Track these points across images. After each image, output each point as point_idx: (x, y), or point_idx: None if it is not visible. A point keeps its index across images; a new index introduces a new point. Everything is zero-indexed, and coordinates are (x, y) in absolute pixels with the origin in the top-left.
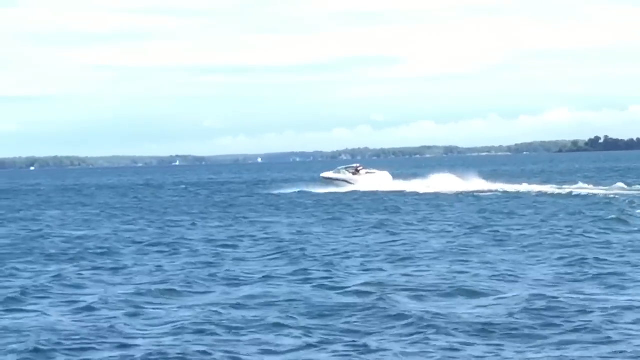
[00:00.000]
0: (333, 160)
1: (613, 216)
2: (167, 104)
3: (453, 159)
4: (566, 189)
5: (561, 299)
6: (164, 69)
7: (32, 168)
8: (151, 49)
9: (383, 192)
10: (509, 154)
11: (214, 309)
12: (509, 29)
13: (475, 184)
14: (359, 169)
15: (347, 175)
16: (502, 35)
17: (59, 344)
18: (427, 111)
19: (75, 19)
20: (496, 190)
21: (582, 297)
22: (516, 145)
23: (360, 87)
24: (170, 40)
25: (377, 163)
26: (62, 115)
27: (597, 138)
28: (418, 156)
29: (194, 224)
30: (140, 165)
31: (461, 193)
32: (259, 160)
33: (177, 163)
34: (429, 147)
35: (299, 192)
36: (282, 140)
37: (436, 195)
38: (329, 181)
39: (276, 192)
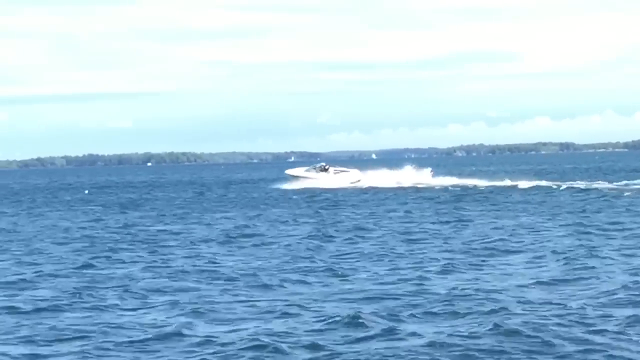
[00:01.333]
0: (447, 156)
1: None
2: (282, 100)
3: (568, 155)
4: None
5: None
6: (279, 66)
7: (149, 164)
8: (267, 45)
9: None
10: (625, 150)
11: None
12: (625, 23)
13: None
14: (326, 167)
15: (311, 174)
16: (619, 30)
17: None
18: (543, 107)
19: (192, 16)
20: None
21: None
22: (633, 141)
23: (475, 83)
24: (287, 37)
25: (491, 159)
26: (179, 111)
27: None
28: (533, 152)
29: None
30: (255, 161)
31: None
32: (373, 156)
33: (292, 159)
34: (544, 144)
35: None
36: (396, 137)
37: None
38: (295, 178)
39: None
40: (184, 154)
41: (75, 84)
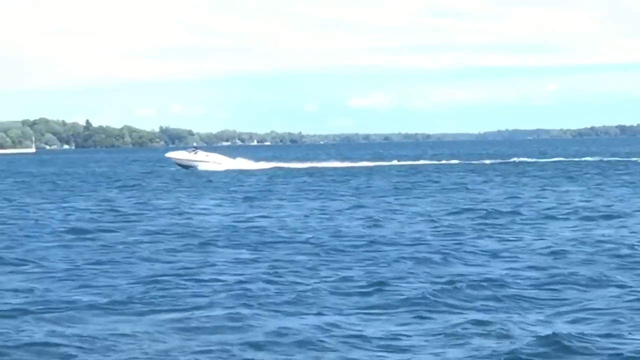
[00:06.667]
0: None
1: None
2: None
3: None
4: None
5: None
6: None
7: None
8: None
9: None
10: None
11: None
12: None
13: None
14: (197, 151)
15: (189, 156)
16: None
17: None
18: None
19: None
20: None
21: None
22: None
23: None
24: None
25: None
26: None
27: None
28: None
29: None
30: None
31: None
32: None
33: None
34: None
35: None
36: None
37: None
38: (175, 161)
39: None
40: None
41: (629, 52)
